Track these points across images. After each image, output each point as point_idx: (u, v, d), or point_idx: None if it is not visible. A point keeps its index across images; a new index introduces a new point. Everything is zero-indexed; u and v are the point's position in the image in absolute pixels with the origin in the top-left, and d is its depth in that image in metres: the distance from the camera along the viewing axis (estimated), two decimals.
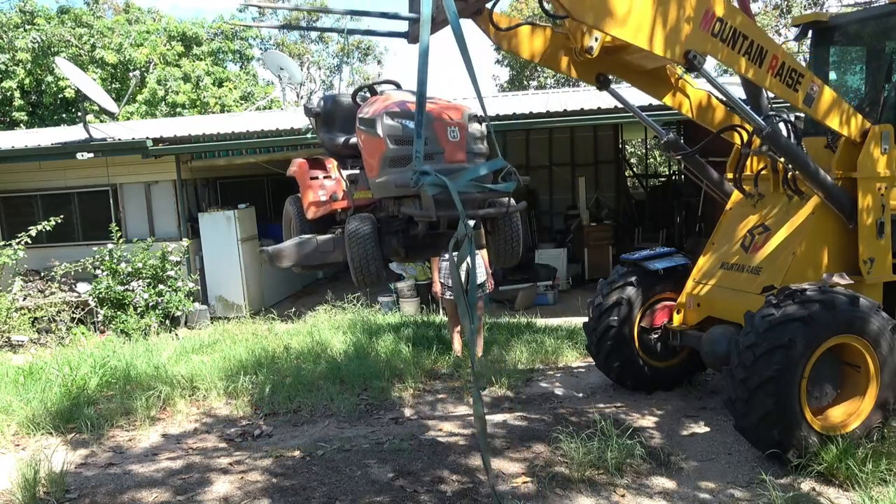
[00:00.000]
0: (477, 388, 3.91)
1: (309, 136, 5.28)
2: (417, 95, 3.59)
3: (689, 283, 6.32)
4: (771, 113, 5.54)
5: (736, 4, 5.19)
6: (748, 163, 6.08)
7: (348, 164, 5.00)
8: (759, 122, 5.13)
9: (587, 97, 12.10)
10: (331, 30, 5.12)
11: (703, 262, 6.35)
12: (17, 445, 6.10)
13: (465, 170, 3.89)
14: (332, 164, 5.01)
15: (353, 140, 4.71)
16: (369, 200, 4.69)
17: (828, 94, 5.18)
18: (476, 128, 4.28)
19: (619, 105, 6.10)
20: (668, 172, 19.45)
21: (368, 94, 5.02)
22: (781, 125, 5.42)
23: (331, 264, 4.78)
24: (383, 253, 4.51)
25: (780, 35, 22.97)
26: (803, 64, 5.36)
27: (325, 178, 4.90)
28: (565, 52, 5.16)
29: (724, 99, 5.23)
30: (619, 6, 4.16)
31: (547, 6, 4.57)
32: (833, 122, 5.27)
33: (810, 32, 6.66)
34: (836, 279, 5.20)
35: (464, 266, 3.92)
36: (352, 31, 5.01)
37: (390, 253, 4.70)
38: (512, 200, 4.18)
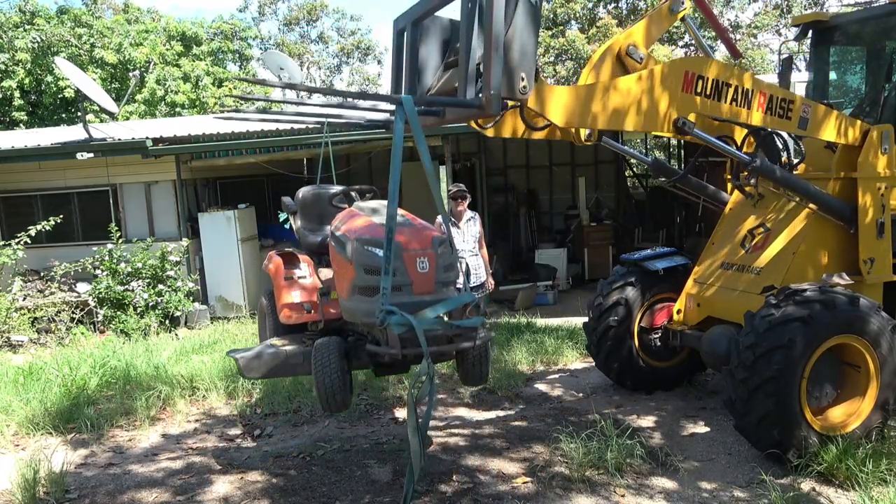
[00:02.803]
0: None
1: (287, 226, 5.44)
2: (386, 230, 3.59)
3: (689, 284, 6.31)
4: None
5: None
6: None
7: (324, 262, 5.01)
8: (743, 158, 5.17)
9: None
10: (313, 114, 5.12)
11: (703, 262, 6.35)
12: (17, 445, 6.10)
13: (432, 305, 3.86)
14: (307, 262, 5.04)
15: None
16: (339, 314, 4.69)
17: (820, 112, 5.19)
18: (446, 254, 4.26)
19: None
20: None
21: (345, 200, 5.07)
22: (779, 132, 5.42)
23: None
24: (351, 367, 4.53)
25: (780, 35, 22.98)
26: (803, 65, 5.36)
27: (300, 277, 4.92)
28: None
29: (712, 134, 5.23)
30: (599, 106, 4.22)
31: (528, 118, 4.63)
32: (830, 136, 5.29)
33: (810, 32, 6.67)
34: (836, 279, 5.20)
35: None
36: (333, 125, 5.07)
37: (360, 367, 4.73)
38: (481, 332, 4.19)
